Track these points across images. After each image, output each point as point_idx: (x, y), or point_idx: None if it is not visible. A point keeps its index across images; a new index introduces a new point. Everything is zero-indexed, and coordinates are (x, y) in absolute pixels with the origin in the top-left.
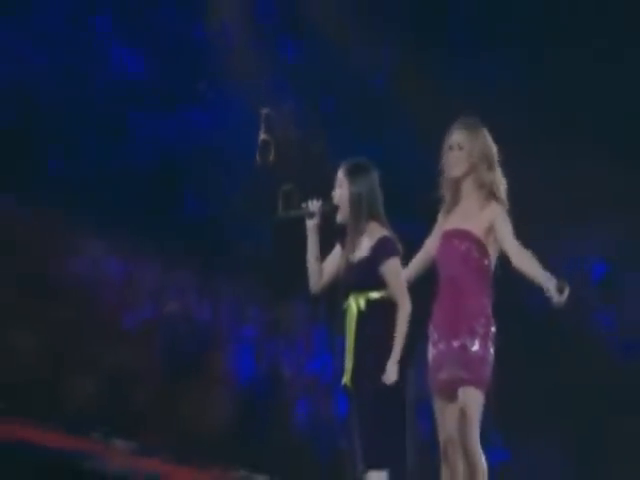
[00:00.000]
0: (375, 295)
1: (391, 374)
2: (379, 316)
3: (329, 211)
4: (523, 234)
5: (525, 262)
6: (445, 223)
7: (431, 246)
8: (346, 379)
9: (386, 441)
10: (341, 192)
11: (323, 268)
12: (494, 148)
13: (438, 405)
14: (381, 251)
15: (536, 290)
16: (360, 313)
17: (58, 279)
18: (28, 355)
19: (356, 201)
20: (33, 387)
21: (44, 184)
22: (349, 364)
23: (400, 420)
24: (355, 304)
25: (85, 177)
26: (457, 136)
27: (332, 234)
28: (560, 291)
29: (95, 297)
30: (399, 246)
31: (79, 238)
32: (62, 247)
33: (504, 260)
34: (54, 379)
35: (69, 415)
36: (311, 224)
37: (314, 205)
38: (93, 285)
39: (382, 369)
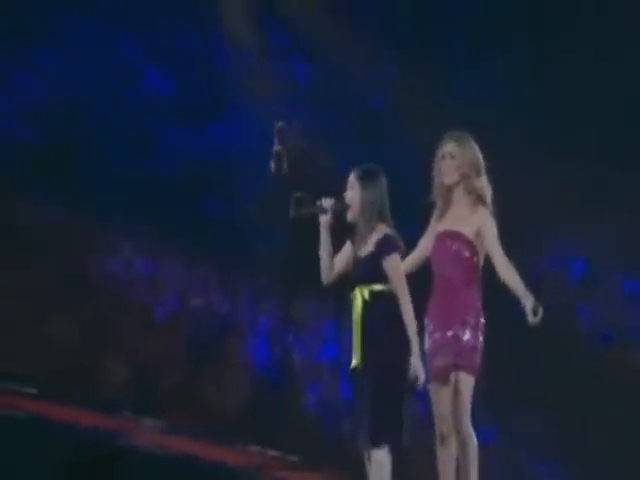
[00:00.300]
0: (378, 287)
1: (418, 370)
2: (381, 307)
3: (340, 209)
4: (512, 235)
5: (508, 275)
6: (438, 225)
7: (424, 246)
8: (354, 363)
9: (387, 419)
10: (353, 194)
11: (334, 262)
12: (481, 157)
13: (433, 389)
14: (384, 248)
15: (523, 284)
16: (365, 303)
17: (96, 276)
18: (70, 343)
19: (367, 204)
20: (73, 371)
21: (84, 192)
22: (356, 349)
23: (400, 400)
24: (360, 295)
25: (119, 186)
26: (449, 147)
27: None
28: (534, 312)
29: (128, 292)
30: (401, 244)
31: (115, 240)
32: (100, 248)
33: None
34: (91, 365)
35: (104, 397)
36: (324, 220)
37: (327, 203)
38: (127, 281)
39: (384, 354)
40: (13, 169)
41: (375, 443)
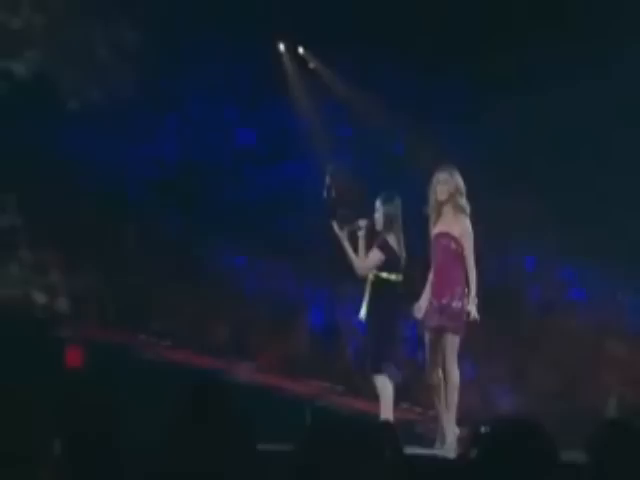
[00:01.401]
0: (376, 273)
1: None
2: (380, 285)
3: (371, 226)
4: (485, 240)
5: (471, 280)
6: (433, 229)
7: None
8: (361, 315)
9: (382, 354)
10: (378, 214)
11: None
12: (462, 183)
13: (429, 341)
14: (379, 246)
15: (494, 273)
16: (371, 285)
17: (209, 267)
18: (192, 311)
19: (387, 219)
20: (194, 330)
21: (199, 212)
22: (364, 308)
23: (389, 343)
24: (370, 278)
25: (223, 209)
26: (442, 176)
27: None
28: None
29: (229, 277)
30: (395, 253)
31: (218, 243)
32: (208, 249)
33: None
34: (206, 325)
35: (214, 346)
36: (361, 234)
37: (362, 222)
38: (228, 270)
39: (379, 313)
40: (152, 197)
41: (375, 370)
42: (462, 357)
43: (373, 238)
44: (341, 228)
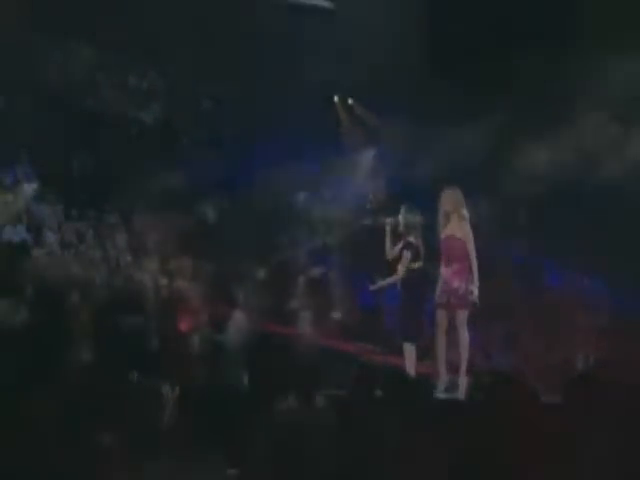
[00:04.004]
0: (408, 265)
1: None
2: (410, 275)
3: (395, 224)
4: (483, 241)
5: (473, 269)
6: (443, 232)
7: None
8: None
9: (409, 326)
10: (401, 219)
11: (394, 249)
12: (463, 198)
13: (440, 315)
14: (404, 248)
15: (493, 265)
16: (405, 272)
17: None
18: (275, 294)
19: (407, 223)
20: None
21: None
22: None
23: (414, 317)
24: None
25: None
26: (448, 192)
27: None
28: (475, 294)
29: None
30: (416, 247)
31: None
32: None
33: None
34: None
35: (288, 318)
36: (388, 228)
37: (388, 220)
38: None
39: (407, 294)
40: None
41: (404, 338)
42: (469, 326)
43: (396, 232)
44: (377, 224)
